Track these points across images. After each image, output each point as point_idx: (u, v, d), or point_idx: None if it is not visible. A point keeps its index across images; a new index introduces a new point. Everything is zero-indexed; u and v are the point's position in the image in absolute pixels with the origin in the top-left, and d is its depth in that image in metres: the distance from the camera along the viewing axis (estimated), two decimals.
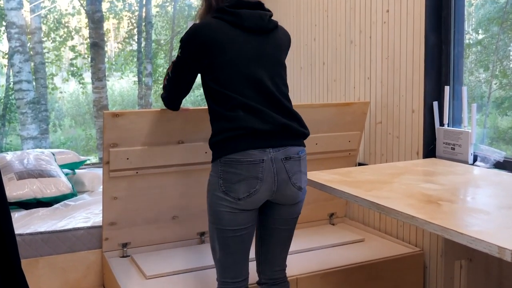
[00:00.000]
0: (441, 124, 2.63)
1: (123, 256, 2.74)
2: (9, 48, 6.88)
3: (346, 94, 3.21)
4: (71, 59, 8.78)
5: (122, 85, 10.28)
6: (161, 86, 2.19)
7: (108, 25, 9.41)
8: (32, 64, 7.37)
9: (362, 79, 3.06)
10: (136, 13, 8.97)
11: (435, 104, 2.63)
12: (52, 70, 8.58)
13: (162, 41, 9.67)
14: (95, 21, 7.01)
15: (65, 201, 3.47)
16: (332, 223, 3.24)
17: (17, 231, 2.63)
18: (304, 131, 1.99)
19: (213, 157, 1.92)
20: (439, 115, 2.63)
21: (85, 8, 7.77)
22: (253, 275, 2.13)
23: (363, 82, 3.06)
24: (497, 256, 1.28)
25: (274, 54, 1.97)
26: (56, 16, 8.66)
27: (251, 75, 1.89)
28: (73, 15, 8.85)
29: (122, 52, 9.44)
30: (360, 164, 3.08)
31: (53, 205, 3.42)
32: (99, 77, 7.14)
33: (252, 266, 2.12)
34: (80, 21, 8.98)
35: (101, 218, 2.68)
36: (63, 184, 3.54)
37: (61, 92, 9.01)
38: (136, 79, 9.05)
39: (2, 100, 7.94)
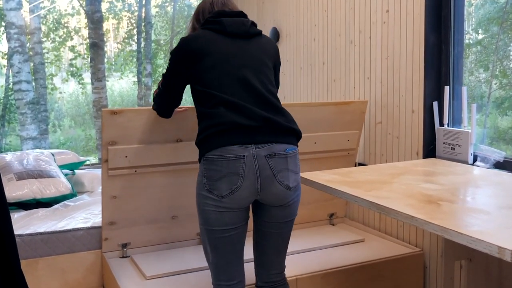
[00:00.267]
0: (441, 124, 2.63)
1: (123, 257, 2.74)
2: (9, 48, 6.88)
3: (346, 94, 3.21)
4: (71, 60, 8.78)
5: (121, 85, 10.28)
6: (152, 98, 2.23)
7: (107, 25, 9.41)
8: (32, 64, 7.37)
9: (362, 79, 3.06)
10: (136, 13, 8.97)
11: (435, 104, 2.63)
12: (52, 71, 8.58)
13: (161, 41, 9.67)
14: (95, 21, 7.01)
15: (64, 202, 3.47)
16: (332, 223, 3.24)
17: (16, 232, 2.63)
18: (291, 127, 1.94)
19: (199, 157, 1.94)
20: (439, 115, 2.63)
21: (85, 8, 7.77)
22: (252, 277, 2.13)
23: (363, 82, 3.06)
24: (497, 256, 1.28)
25: (258, 56, 2.01)
26: (55, 17, 8.66)
27: (235, 73, 1.93)
28: (72, 15, 8.85)
29: (122, 53, 9.44)
30: (360, 164, 3.08)
31: (52, 205, 3.41)
32: (98, 78, 7.14)
33: (251, 268, 2.12)
34: (80, 21, 8.98)
35: (101, 219, 2.68)
36: (62, 185, 3.54)
37: (60, 93, 9.01)
38: (135, 79, 9.05)
39: (1, 101, 7.94)
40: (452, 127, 2.63)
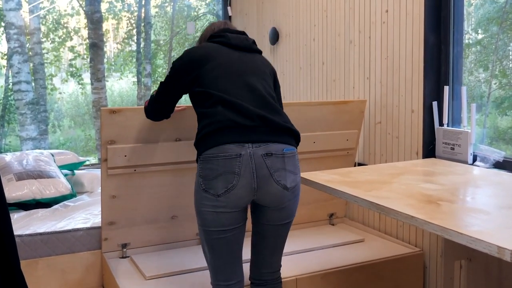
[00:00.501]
0: (441, 124, 2.63)
1: (123, 257, 2.73)
2: (8, 48, 6.87)
3: (346, 94, 3.21)
4: (70, 60, 8.78)
5: (121, 85, 10.28)
6: (145, 105, 2.27)
7: (107, 25, 9.40)
8: (31, 64, 7.37)
9: (362, 79, 3.06)
10: (135, 14, 8.97)
11: (435, 104, 2.63)
12: (51, 71, 8.57)
13: (161, 42, 9.67)
14: (94, 21, 7.01)
15: (64, 202, 3.47)
16: (332, 223, 3.24)
17: (16, 232, 2.63)
18: (289, 127, 1.96)
19: (196, 157, 1.95)
20: (439, 115, 2.63)
21: (84, 8, 7.77)
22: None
23: (363, 82, 3.06)
24: (496, 256, 1.28)
25: (259, 65, 2.07)
26: (55, 17, 8.66)
27: (236, 75, 1.97)
28: (72, 15, 8.85)
29: (121, 53, 9.44)
30: (359, 164, 3.08)
31: (52, 206, 3.41)
32: (98, 78, 7.14)
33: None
34: (79, 22, 8.98)
35: (100, 219, 2.68)
36: (62, 185, 3.54)
37: (60, 93, 9.00)
38: (135, 79, 9.05)
39: (1, 101, 7.94)
40: (452, 127, 2.63)
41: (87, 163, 4.46)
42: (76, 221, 3.04)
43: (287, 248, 2.73)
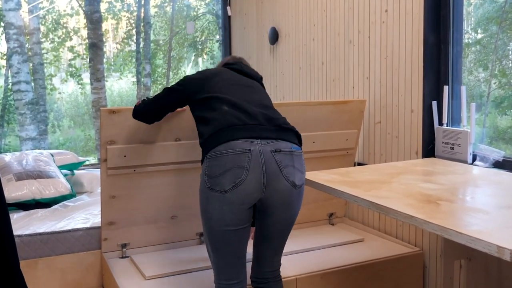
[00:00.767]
0: (440, 123, 2.63)
1: (122, 257, 2.73)
2: (8, 49, 6.87)
3: (345, 94, 3.21)
4: (70, 60, 8.77)
5: (121, 85, 10.27)
6: (138, 102, 2.32)
7: (106, 25, 9.40)
8: (31, 64, 7.36)
9: (361, 79, 3.06)
10: (135, 14, 8.97)
11: (434, 103, 2.63)
12: (51, 71, 8.57)
13: (161, 42, 9.66)
14: (94, 21, 7.01)
15: (64, 202, 3.47)
16: (332, 223, 3.24)
17: (16, 232, 2.63)
18: (292, 127, 2.03)
19: (202, 156, 1.96)
20: (438, 114, 2.63)
21: (84, 8, 7.77)
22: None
23: (362, 82, 3.06)
24: (496, 255, 1.28)
25: (263, 90, 2.21)
26: (54, 17, 8.65)
27: (240, 86, 2.09)
28: (71, 15, 8.84)
29: (121, 53, 9.44)
30: (359, 164, 3.08)
31: (52, 206, 3.41)
32: (97, 78, 7.14)
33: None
34: (79, 22, 8.97)
35: (100, 219, 2.68)
36: (62, 185, 3.54)
37: (59, 93, 9.00)
38: (135, 79, 9.04)
39: (0, 101, 7.94)
40: (451, 126, 2.63)
41: (87, 163, 4.46)
42: (75, 221, 3.04)
43: (287, 248, 2.72)
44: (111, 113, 2.37)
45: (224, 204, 1.84)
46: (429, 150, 2.67)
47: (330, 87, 3.37)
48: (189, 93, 2.11)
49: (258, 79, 2.27)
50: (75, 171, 4.04)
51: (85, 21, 7.66)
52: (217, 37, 9.45)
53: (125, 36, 9.18)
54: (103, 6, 8.63)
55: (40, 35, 7.75)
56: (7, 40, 6.82)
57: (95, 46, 7.06)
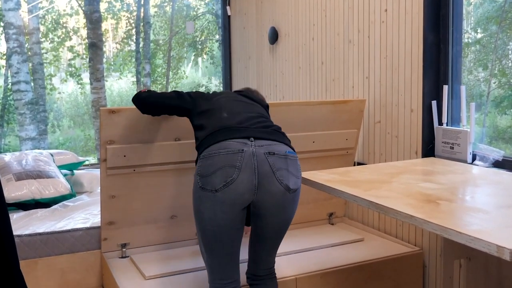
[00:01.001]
0: (440, 123, 2.63)
1: (122, 257, 2.73)
2: (7, 49, 6.87)
3: (345, 93, 3.21)
4: (70, 60, 8.77)
5: (120, 85, 10.27)
6: (143, 89, 2.37)
7: (106, 25, 9.40)
8: (30, 64, 7.36)
9: (361, 79, 3.06)
10: (134, 13, 8.97)
11: (434, 103, 2.63)
12: (51, 71, 8.57)
13: (160, 41, 9.66)
14: (93, 21, 7.01)
15: (63, 202, 3.47)
16: (332, 222, 3.24)
17: (15, 232, 2.63)
18: (285, 134, 2.07)
19: (196, 158, 1.99)
20: (438, 114, 2.63)
21: (83, 8, 7.77)
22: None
23: (362, 81, 3.05)
24: (496, 255, 1.28)
25: (263, 108, 2.23)
26: (54, 17, 8.65)
27: (242, 100, 2.16)
28: (71, 15, 8.84)
29: (121, 53, 9.44)
30: (359, 164, 3.08)
31: (51, 206, 3.41)
32: (97, 78, 7.13)
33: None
34: (78, 22, 8.97)
35: (100, 219, 2.68)
36: (61, 185, 3.54)
37: (59, 93, 9.00)
38: (134, 79, 9.04)
39: (0, 101, 7.94)
40: (451, 126, 2.63)
41: (87, 163, 4.46)
42: (75, 221, 3.04)
43: (287, 247, 2.73)
44: (110, 112, 2.37)
45: (215, 203, 1.84)
46: (428, 150, 2.67)
47: (329, 87, 3.36)
48: (194, 105, 2.16)
49: (263, 104, 2.26)
50: (74, 171, 4.04)
51: (84, 21, 7.66)
52: (217, 37, 9.45)
53: (125, 36, 9.18)
54: (103, 6, 8.63)
55: (40, 35, 7.75)
56: (7, 40, 6.82)
57: (94, 46, 7.06)
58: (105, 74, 7.52)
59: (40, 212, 3.27)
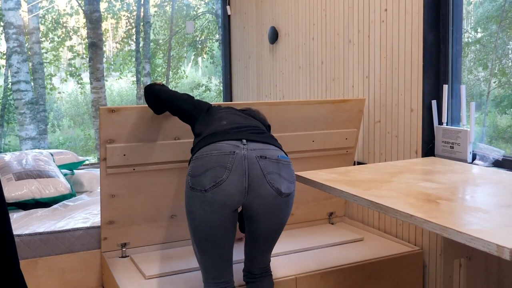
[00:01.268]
0: (440, 122, 2.63)
1: (122, 256, 2.73)
2: (7, 48, 6.87)
3: (345, 93, 3.21)
4: (70, 59, 8.78)
5: (120, 85, 10.28)
6: (159, 82, 2.35)
7: (106, 25, 9.40)
8: (30, 64, 7.36)
9: (361, 78, 3.06)
10: (134, 13, 8.97)
11: (434, 102, 2.63)
12: (51, 70, 8.57)
13: (160, 41, 9.66)
14: (93, 21, 7.01)
15: (63, 202, 3.47)
16: (331, 222, 3.24)
17: (15, 232, 2.63)
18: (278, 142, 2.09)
19: (189, 160, 2.00)
20: (438, 113, 2.63)
21: (83, 8, 7.77)
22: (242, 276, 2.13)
23: (362, 81, 3.06)
24: (495, 254, 1.28)
25: (262, 124, 2.22)
26: (54, 16, 8.66)
27: (241, 114, 2.17)
28: (71, 15, 8.85)
29: (121, 52, 9.44)
30: (359, 163, 3.08)
31: (51, 205, 3.41)
32: (97, 77, 7.13)
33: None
34: (78, 21, 8.98)
35: (100, 218, 2.68)
36: (61, 185, 3.54)
37: (59, 93, 9.00)
38: (134, 79, 9.05)
39: (0, 101, 7.94)
40: (451, 125, 2.63)
41: (87, 162, 4.46)
42: (75, 220, 3.04)
43: (287, 247, 2.73)
44: (110, 112, 2.37)
45: (205, 204, 1.84)
46: (428, 149, 2.67)
47: (329, 86, 3.37)
48: (201, 114, 2.19)
49: (264, 123, 2.24)
50: (74, 170, 4.04)
51: (84, 20, 7.66)
52: (217, 36, 9.46)
53: (125, 35, 9.18)
54: (103, 6, 8.63)
55: (40, 35, 7.76)
56: (7, 39, 6.82)
57: (94, 45, 7.06)
58: (105, 73, 7.53)
59: (40, 211, 3.27)
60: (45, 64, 8.01)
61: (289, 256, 2.65)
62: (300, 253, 2.71)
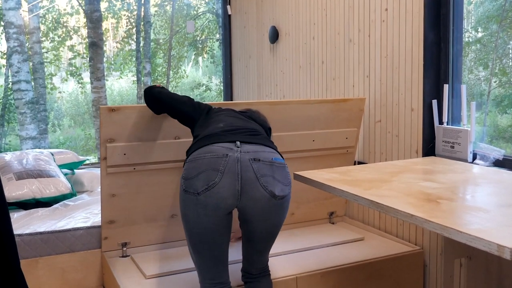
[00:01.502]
0: (440, 122, 2.62)
1: (123, 256, 2.73)
2: (8, 48, 6.87)
3: (345, 92, 3.21)
4: (70, 59, 8.78)
5: (121, 84, 10.28)
6: (156, 83, 2.35)
7: (106, 24, 9.40)
8: (31, 64, 7.36)
9: (361, 78, 3.06)
10: (135, 13, 8.97)
11: (434, 102, 2.63)
12: (51, 70, 8.57)
13: (161, 41, 9.66)
14: (94, 20, 7.01)
15: (64, 201, 3.47)
16: (332, 222, 3.24)
17: (16, 232, 2.63)
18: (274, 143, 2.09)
19: (183, 162, 2.00)
20: (438, 113, 2.63)
21: (84, 7, 7.77)
22: (239, 277, 2.13)
23: (362, 80, 3.05)
24: (496, 254, 1.28)
25: (261, 127, 2.21)
26: (54, 16, 8.66)
27: (240, 117, 2.16)
28: (71, 14, 8.85)
29: (121, 52, 9.44)
30: (359, 163, 3.08)
31: (52, 205, 3.41)
32: (98, 77, 7.13)
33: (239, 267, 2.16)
34: (79, 21, 8.98)
35: (100, 218, 2.68)
36: (62, 184, 3.54)
37: (60, 92, 9.00)
38: (135, 78, 9.05)
39: (1, 100, 7.94)
40: (452, 125, 2.63)
41: (87, 162, 4.46)
42: (76, 220, 3.04)
43: (287, 247, 2.73)
44: (110, 111, 2.37)
45: (198, 207, 1.84)
46: (429, 149, 2.67)
47: (330, 86, 3.36)
48: (200, 117, 2.19)
49: (264, 126, 2.23)
50: (75, 170, 4.04)
51: (85, 20, 7.66)
52: (217, 36, 9.45)
53: (125, 35, 9.18)
54: (103, 5, 8.63)
55: (40, 34, 7.76)
56: (7, 39, 6.82)
57: (95, 45, 7.06)
58: (105, 73, 7.53)
59: (40, 211, 3.28)
60: (45, 64, 8.01)
61: (289, 256, 2.65)
62: (301, 253, 2.71)
